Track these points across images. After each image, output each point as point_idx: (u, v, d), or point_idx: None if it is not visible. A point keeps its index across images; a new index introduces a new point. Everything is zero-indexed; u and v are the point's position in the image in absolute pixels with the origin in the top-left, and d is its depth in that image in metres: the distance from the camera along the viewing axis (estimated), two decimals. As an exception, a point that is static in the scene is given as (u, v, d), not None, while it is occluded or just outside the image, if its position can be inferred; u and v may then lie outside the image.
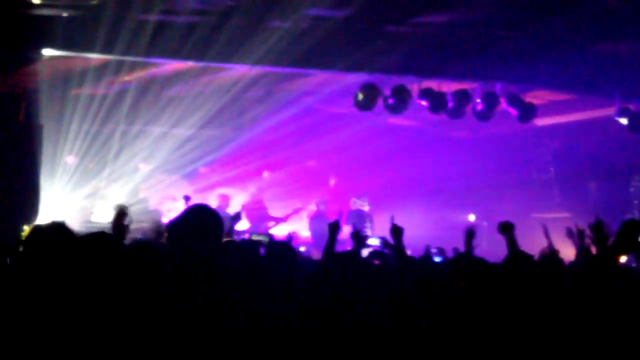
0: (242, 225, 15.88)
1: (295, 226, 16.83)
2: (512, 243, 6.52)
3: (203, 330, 3.87)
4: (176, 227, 4.23)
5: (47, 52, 12.24)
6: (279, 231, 15.88)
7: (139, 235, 9.23)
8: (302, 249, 15.75)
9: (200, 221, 4.24)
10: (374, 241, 8.39)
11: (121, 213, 7.16)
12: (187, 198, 13.68)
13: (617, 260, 4.83)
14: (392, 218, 7.32)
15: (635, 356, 4.74)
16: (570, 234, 9.84)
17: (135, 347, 3.77)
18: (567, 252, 7.63)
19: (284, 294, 4.94)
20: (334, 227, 7.23)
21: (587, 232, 6.45)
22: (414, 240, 12.70)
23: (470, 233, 7.98)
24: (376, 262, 7.06)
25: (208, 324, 3.90)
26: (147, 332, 3.80)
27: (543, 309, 5.00)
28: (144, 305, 3.90)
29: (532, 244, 8.94)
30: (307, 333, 4.59)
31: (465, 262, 5.21)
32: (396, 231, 7.20)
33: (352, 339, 4.57)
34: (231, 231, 8.79)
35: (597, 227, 6.07)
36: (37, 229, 4.53)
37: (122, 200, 6.95)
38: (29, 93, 12.60)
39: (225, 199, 16.44)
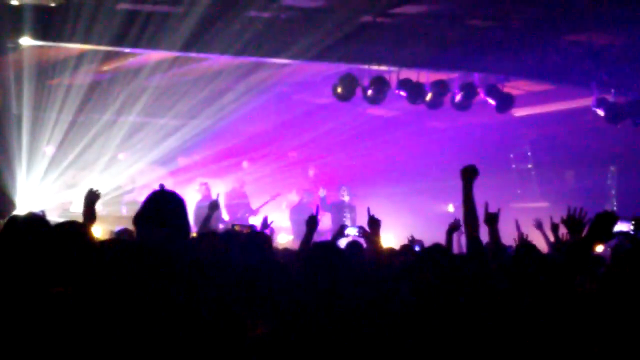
0: (222, 216, 15.89)
1: (275, 216, 16.87)
2: (495, 234, 6.57)
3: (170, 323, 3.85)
4: (139, 218, 4.20)
5: (25, 41, 12.17)
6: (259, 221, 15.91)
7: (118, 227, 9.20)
8: (282, 239, 15.79)
9: (161, 208, 4.17)
10: (352, 231, 8.38)
11: (92, 199, 6.81)
12: (161, 187, 13.61)
13: (591, 249, 4.91)
14: (369, 210, 7.35)
15: (613, 343, 4.80)
16: (538, 225, 9.92)
17: (102, 340, 3.74)
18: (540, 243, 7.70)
19: (258, 285, 4.96)
20: (312, 223, 7.24)
21: (562, 223, 6.53)
22: (397, 230, 12.79)
23: (452, 228, 8.04)
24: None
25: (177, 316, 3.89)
26: (115, 325, 3.78)
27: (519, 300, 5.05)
28: (112, 298, 3.86)
29: (511, 235, 9.02)
30: (282, 327, 4.60)
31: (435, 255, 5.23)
32: (373, 223, 7.22)
33: (328, 331, 4.60)
34: (209, 219, 8.74)
35: (571, 219, 6.15)
36: (13, 220, 4.50)
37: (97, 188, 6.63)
38: (7, 82, 12.54)
39: (206, 188, 16.46)
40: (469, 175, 6.04)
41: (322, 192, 16.92)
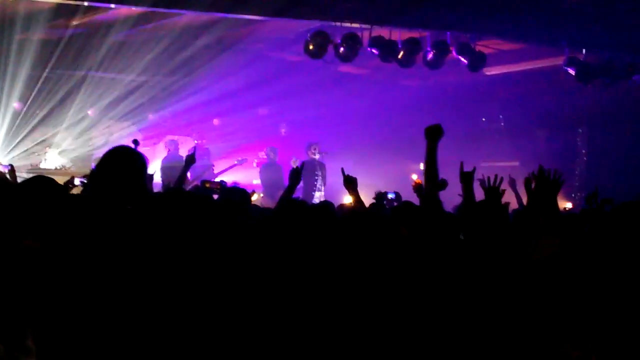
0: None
1: (245, 175, 16.84)
2: (469, 193, 6.53)
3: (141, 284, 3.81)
4: (92, 174, 4.13)
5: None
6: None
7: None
8: (255, 196, 15.75)
9: (114, 167, 4.08)
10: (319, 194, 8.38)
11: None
12: (135, 143, 13.45)
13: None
14: (343, 170, 7.28)
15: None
16: (512, 183, 9.95)
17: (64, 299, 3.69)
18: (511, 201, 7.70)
19: (236, 244, 4.92)
20: (294, 177, 6.99)
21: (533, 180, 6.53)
22: (369, 188, 12.82)
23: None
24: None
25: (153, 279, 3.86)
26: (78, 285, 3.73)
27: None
28: (77, 255, 3.81)
29: (481, 193, 9.01)
30: (257, 287, 4.58)
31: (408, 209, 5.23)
32: (349, 182, 7.15)
33: (300, 291, 4.60)
34: (185, 174, 8.50)
35: (541, 176, 6.13)
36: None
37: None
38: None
39: (174, 145, 16.36)
40: (433, 134, 5.97)
41: (294, 163, 16.88)
